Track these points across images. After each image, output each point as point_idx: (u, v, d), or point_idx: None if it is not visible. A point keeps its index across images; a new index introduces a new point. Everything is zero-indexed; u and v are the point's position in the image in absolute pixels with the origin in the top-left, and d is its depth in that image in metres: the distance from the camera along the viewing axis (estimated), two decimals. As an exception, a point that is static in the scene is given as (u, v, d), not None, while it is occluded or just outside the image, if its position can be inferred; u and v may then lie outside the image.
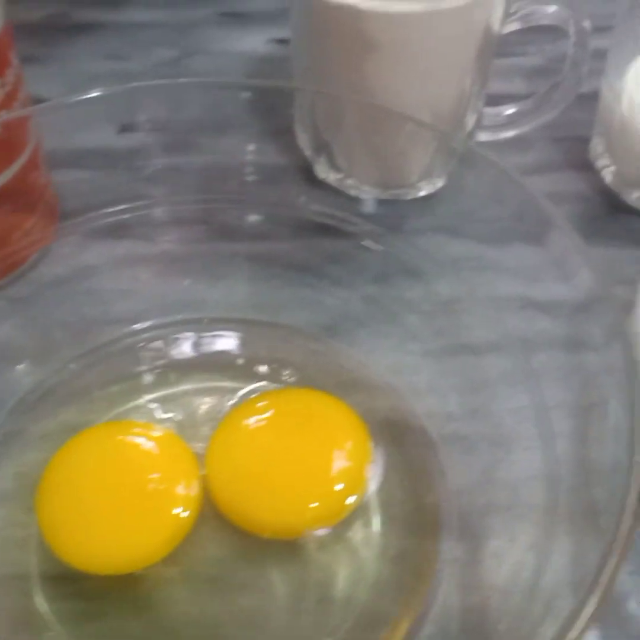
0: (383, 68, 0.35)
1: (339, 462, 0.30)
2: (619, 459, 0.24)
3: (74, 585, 0.29)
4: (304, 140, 0.40)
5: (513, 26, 0.37)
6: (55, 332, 0.35)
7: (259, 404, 0.32)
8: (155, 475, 0.29)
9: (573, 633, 0.21)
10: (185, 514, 0.29)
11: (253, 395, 0.33)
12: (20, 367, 0.34)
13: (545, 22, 0.37)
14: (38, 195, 0.37)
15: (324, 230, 0.38)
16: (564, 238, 0.29)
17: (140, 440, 0.30)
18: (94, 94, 0.35)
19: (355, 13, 0.33)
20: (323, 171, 0.40)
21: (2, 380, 0.33)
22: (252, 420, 0.31)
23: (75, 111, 0.36)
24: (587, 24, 0.36)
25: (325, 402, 0.32)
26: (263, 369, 0.34)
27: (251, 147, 0.40)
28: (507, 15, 0.36)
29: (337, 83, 0.36)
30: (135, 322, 0.36)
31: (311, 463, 0.30)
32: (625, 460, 0.23)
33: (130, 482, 0.29)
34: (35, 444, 0.32)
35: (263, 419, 0.31)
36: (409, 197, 0.40)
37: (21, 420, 0.33)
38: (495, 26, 0.35)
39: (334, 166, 0.39)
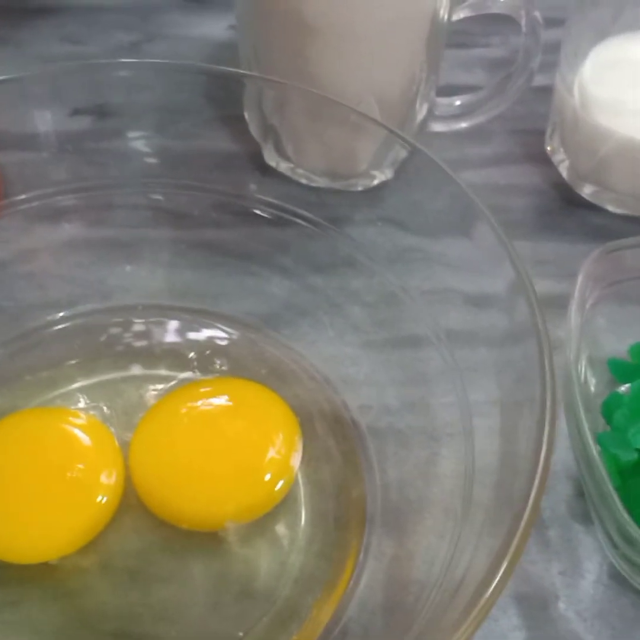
0: (326, 53, 0.34)
1: (265, 454, 0.29)
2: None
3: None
4: (253, 127, 0.39)
5: (463, 14, 0.36)
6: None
7: (187, 394, 0.31)
8: (75, 463, 0.29)
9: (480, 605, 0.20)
10: (105, 503, 0.28)
11: (183, 385, 0.32)
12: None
13: (496, 10, 0.36)
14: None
15: (271, 219, 0.38)
16: (490, 232, 0.28)
17: (62, 428, 0.30)
18: (39, 72, 0.35)
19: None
20: (272, 159, 0.39)
21: None
22: (179, 410, 0.30)
23: (26, 92, 0.36)
24: (538, 14, 0.36)
25: (254, 392, 0.31)
26: (196, 358, 0.34)
27: (203, 133, 0.40)
28: (457, 2, 0.36)
29: (282, 69, 0.36)
30: (71, 308, 0.35)
31: (235, 454, 0.29)
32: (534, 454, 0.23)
33: (48, 470, 0.29)
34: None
35: (190, 409, 0.30)
36: (359, 187, 0.39)
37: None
38: (442, 12, 0.34)
39: (282, 154, 0.39)
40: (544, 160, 0.42)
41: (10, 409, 0.31)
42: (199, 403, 0.31)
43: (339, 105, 0.33)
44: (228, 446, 0.30)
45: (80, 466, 0.29)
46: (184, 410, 0.30)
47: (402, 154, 0.37)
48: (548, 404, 0.23)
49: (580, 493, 0.31)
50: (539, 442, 0.23)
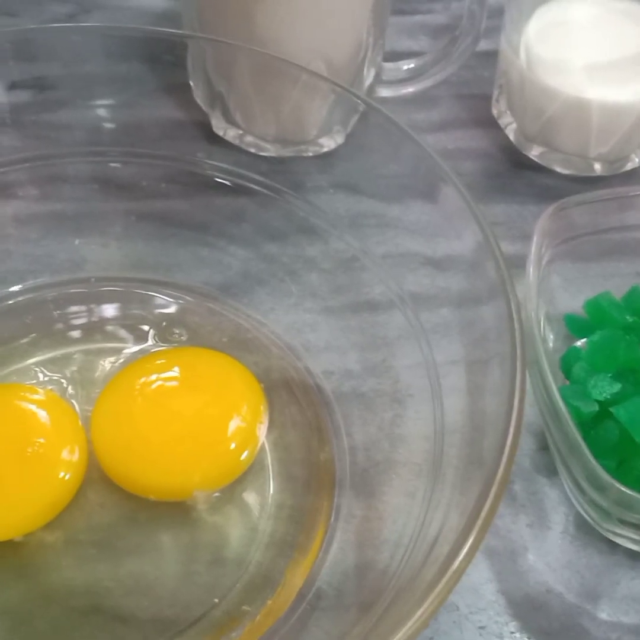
0: (273, 17, 0.34)
1: (229, 422, 0.29)
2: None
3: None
4: (199, 95, 0.39)
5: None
6: None
7: (148, 364, 0.31)
8: (35, 439, 0.28)
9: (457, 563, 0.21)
10: (68, 478, 0.28)
11: (143, 356, 0.32)
12: None
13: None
14: None
15: (223, 188, 0.37)
16: (456, 194, 0.28)
17: (20, 404, 0.29)
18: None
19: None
20: (220, 127, 0.39)
21: None
22: (140, 381, 0.30)
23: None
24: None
25: (216, 361, 0.31)
26: (154, 328, 0.33)
27: (148, 102, 0.39)
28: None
29: (227, 35, 0.35)
30: (22, 282, 0.34)
31: (200, 423, 0.29)
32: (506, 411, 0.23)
33: (7, 447, 0.28)
34: None
35: (151, 380, 0.30)
36: (310, 153, 0.39)
37: None
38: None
39: (230, 121, 0.38)
40: (491, 124, 0.43)
41: (-37, 387, 0.31)
42: (161, 374, 0.30)
43: (290, 64, 0.33)
44: (192, 415, 0.29)
45: (41, 442, 0.28)
46: (145, 382, 0.30)
47: (354, 117, 0.37)
48: (519, 361, 0.23)
49: (543, 447, 0.32)
50: (510, 398, 0.23)
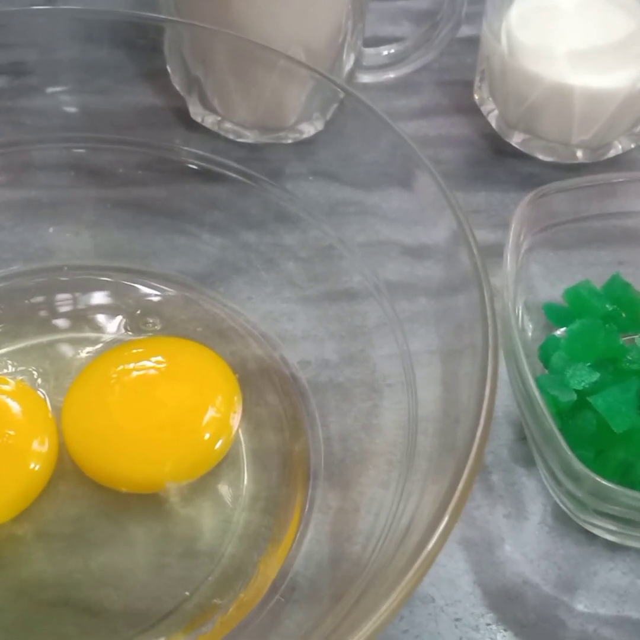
0: (251, 1, 0.33)
1: (203, 413, 0.29)
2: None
3: None
4: (176, 80, 0.38)
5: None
6: None
7: (120, 354, 0.30)
8: (4, 430, 0.27)
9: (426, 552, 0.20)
10: (38, 470, 0.27)
11: (115, 346, 0.31)
12: None
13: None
14: None
15: (200, 175, 0.37)
16: (432, 182, 0.28)
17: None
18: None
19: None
20: (198, 113, 0.38)
21: None
22: (111, 372, 0.29)
23: None
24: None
25: (190, 350, 0.30)
26: (127, 318, 0.33)
27: (124, 87, 0.38)
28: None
29: (204, 19, 0.34)
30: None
31: (172, 414, 0.29)
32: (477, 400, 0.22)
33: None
34: None
35: (123, 370, 0.29)
36: (289, 140, 0.38)
37: None
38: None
39: (208, 107, 0.38)
40: (473, 111, 0.42)
41: None
42: (133, 364, 0.30)
43: (268, 50, 0.32)
44: (164, 406, 0.29)
45: (11, 433, 0.27)
46: (117, 372, 0.29)
47: (333, 104, 0.36)
48: (490, 350, 0.23)
49: (521, 437, 0.32)
50: (481, 387, 0.22)
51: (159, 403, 0.29)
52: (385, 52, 0.39)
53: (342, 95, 0.32)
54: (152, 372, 0.29)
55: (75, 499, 0.28)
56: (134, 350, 0.30)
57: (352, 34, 0.37)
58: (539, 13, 0.37)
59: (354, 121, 0.32)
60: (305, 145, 0.39)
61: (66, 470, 0.29)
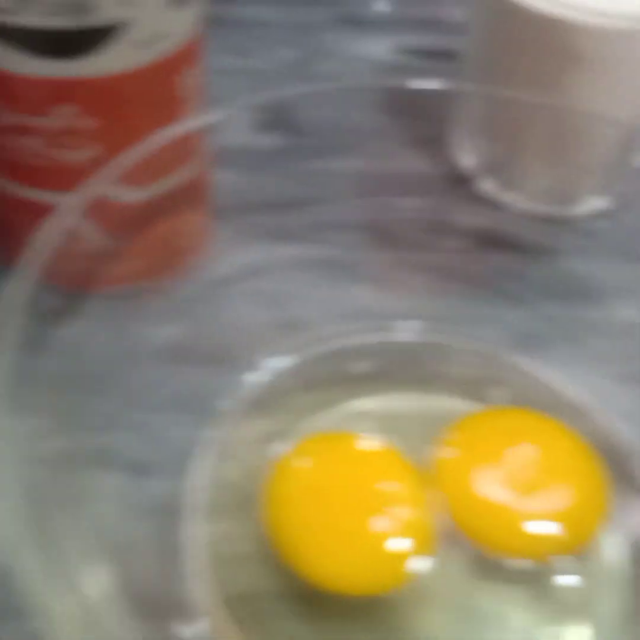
0: (583, 81, 0.34)
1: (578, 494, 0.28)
2: None
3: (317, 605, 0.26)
4: (465, 149, 0.38)
5: None
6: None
7: (485, 424, 0.29)
8: (386, 489, 0.27)
9: None
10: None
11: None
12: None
13: None
14: (206, 193, 0.34)
15: (491, 244, 0.36)
16: None
17: (366, 455, 0.28)
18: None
19: (563, 26, 0.32)
20: (485, 183, 0.38)
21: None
22: (485, 441, 0.28)
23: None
24: None
25: (549, 425, 0.30)
26: (476, 387, 0.32)
27: (401, 154, 0.39)
28: None
29: (523, 90, 0.34)
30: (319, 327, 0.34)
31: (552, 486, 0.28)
32: None
33: (364, 497, 0.27)
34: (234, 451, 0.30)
35: (496, 441, 0.28)
36: (576, 213, 0.38)
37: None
38: None
39: (500, 178, 0.38)
40: None
41: (279, 432, 0.30)
42: (498, 434, 0.29)
43: (598, 117, 0.32)
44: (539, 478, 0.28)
45: (390, 493, 0.27)
46: (490, 441, 0.28)
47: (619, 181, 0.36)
48: None
49: None
50: None
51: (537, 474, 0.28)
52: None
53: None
54: (522, 443, 0.29)
55: (460, 565, 0.27)
56: (496, 421, 0.30)
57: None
58: None
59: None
60: (594, 220, 0.38)
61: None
